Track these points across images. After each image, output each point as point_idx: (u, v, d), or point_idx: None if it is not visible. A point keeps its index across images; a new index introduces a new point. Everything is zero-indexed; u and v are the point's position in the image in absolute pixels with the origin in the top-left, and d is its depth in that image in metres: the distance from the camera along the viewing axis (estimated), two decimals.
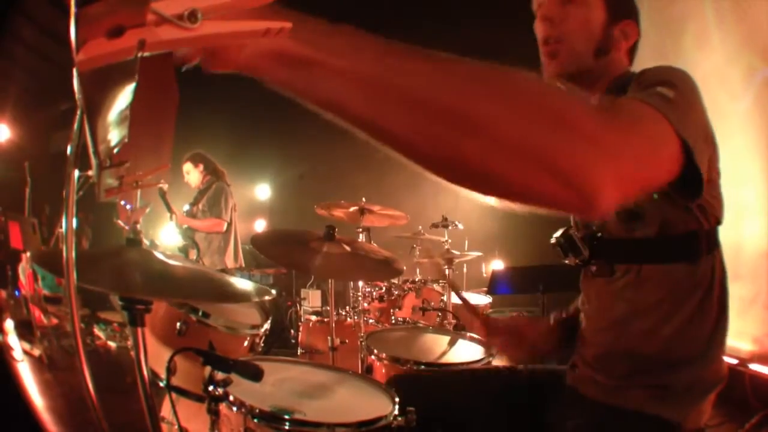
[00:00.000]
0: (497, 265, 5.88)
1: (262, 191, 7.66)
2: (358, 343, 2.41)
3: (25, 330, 4.21)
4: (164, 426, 1.74)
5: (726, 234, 1.26)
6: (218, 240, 4.67)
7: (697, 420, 1.26)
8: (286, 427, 1.33)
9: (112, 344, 4.53)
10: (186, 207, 4.73)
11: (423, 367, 2.08)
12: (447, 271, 3.81)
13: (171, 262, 1.35)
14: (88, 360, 0.99)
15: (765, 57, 3.40)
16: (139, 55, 0.50)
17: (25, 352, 3.87)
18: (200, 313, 1.86)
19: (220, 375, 1.37)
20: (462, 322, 3.29)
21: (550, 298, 3.40)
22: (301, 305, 4.65)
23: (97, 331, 4.73)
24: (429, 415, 1.43)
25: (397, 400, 1.49)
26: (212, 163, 4.84)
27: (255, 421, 1.34)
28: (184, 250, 3.86)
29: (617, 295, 1.32)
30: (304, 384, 1.61)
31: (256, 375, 1.31)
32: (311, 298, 4.89)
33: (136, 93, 0.62)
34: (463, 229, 4.39)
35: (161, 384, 1.53)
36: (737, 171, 3.42)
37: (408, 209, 3.93)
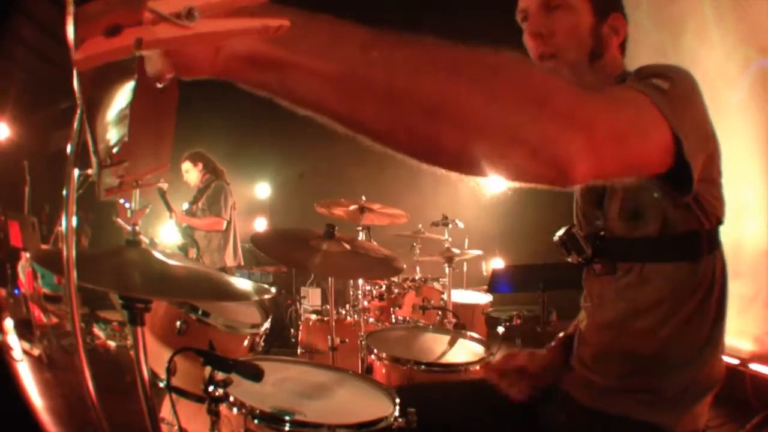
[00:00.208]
0: (497, 263, 5.88)
1: (262, 190, 7.65)
2: (358, 342, 2.41)
3: (25, 329, 4.21)
4: (164, 426, 1.74)
5: (726, 232, 1.26)
6: (218, 238, 4.67)
7: (693, 423, 1.25)
8: (287, 428, 1.33)
9: (111, 343, 4.53)
10: (185, 206, 4.73)
11: (423, 367, 2.07)
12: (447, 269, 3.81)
13: (171, 261, 1.34)
14: (88, 359, 0.99)
15: (765, 55, 3.40)
16: (137, 53, 0.50)
17: (25, 352, 3.87)
18: (200, 312, 1.86)
19: (220, 375, 1.37)
20: (462, 321, 3.29)
21: (550, 296, 3.40)
22: (301, 304, 4.65)
23: (97, 330, 4.73)
24: (425, 422, 1.43)
25: (397, 400, 1.49)
26: (211, 162, 4.84)
27: (255, 421, 1.34)
28: (183, 249, 3.86)
29: (619, 293, 1.32)
30: (305, 384, 1.61)
31: (256, 375, 1.31)
32: (311, 297, 4.89)
33: (136, 92, 0.62)
34: (463, 228, 4.39)
35: (161, 384, 1.52)
36: (737, 170, 3.42)
37: (408, 207, 3.93)
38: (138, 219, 4.05)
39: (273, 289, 1.54)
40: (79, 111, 0.73)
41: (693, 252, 1.23)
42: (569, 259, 1.41)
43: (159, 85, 0.62)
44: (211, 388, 1.36)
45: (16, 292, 4.63)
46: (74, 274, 0.89)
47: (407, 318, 3.66)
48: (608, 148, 0.74)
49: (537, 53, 1.28)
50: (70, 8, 0.50)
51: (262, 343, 2.09)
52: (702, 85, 1.05)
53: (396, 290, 3.83)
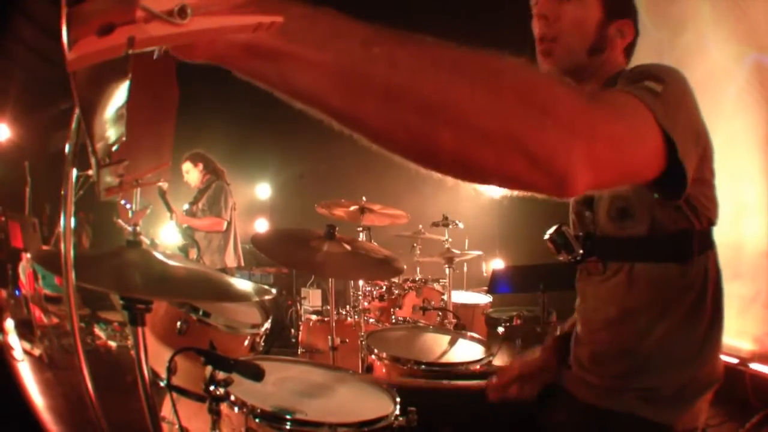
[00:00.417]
0: (497, 264, 5.89)
1: (263, 190, 7.65)
2: (359, 342, 2.41)
3: (26, 329, 4.21)
4: (165, 426, 1.74)
5: (726, 233, 1.26)
6: (218, 239, 4.67)
7: (692, 421, 1.25)
8: (288, 427, 1.33)
9: (112, 344, 4.53)
10: (186, 206, 4.73)
11: (423, 366, 2.07)
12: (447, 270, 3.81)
13: (171, 261, 1.34)
14: (88, 359, 0.99)
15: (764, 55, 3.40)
16: (130, 52, 0.50)
17: (26, 352, 3.87)
18: (200, 313, 1.86)
19: (221, 375, 1.37)
20: (462, 322, 3.29)
21: (550, 296, 3.40)
22: (301, 304, 4.65)
23: (98, 330, 4.74)
24: (426, 421, 1.43)
25: (398, 399, 1.49)
26: (212, 162, 4.84)
27: (256, 420, 1.34)
28: (184, 249, 3.86)
29: (610, 294, 1.32)
30: (305, 383, 1.61)
31: (257, 375, 1.31)
32: (311, 298, 4.88)
33: (137, 92, 0.62)
34: (463, 228, 4.39)
35: (162, 384, 1.52)
36: (737, 170, 3.42)
37: (408, 208, 3.93)
38: (139, 220, 4.05)
39: (273, 290, 1.54)
40: (76, 111, 0.74)
41: (682, 252, 1.23)
42: (560, 258, 1.42)
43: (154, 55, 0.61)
44: (212, 388, 1.36)
45: (17, 292, 4.63)
46: (72, 274, 0.89)
47: (407, 318, 3.66)
48: (607, 159, 0.73)
49: (539, 34, 1.30)
50: (64, 9, 0.50)
51: (263, 344, 2.09)
52: (701, 85, 1.06)
53: (396, 291, 3.83)
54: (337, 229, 2.25)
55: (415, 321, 3.54)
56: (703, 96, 1.07)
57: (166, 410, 1.76)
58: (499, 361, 2.17)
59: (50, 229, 5.74)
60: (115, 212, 4.10)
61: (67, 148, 0.83)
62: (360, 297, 3.77)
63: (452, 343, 2.44)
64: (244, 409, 1.36)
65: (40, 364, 3.83)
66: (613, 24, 1.30)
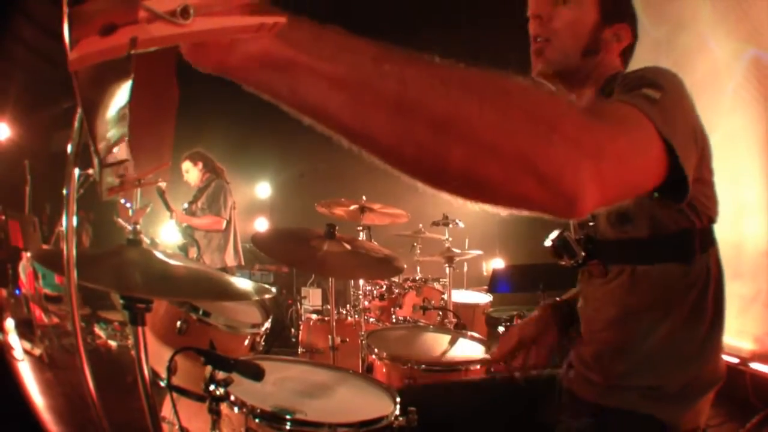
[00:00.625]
0: (498, 263, 5.88)
1: (263, 189, 7.65)
2: (359, 342, 2.41)
3: (26, 329, 4.21)
4: (165, 426, 1.74)
5: (726, 232, 1.26)
6: (218, 238, 4.66)
7: (694, 420, 1.26)
8: (288, 427, 1.33)
9: (112, 343, 4.54)
10: (185, 205, 4.73)
11: (423, 366, 2.07)
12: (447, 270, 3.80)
13: (171, 260, 1.34)
14: (89, 359, 0.99)
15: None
16: (132, 52, 0.50)
17: (26, 352, 3.87)
18: (201, 312, 1.85)
19: (221, 374, 1.37)
20: (463, 321, 3.29)
21: (550, 296, 3.38)
22: (301, 304, 4.66)
23: (98, 330, 4.74)
24: (428, 422, 1.43)
25: (398, 399, 1.49)
26: (211, 161, 4.84)
27: (256, 421, 1.34)
28: (183, 249, 3.86)
29: (612, 296, 1.32)
30: (305, 383, 1.61)
31: (257, 374, 1.31)
32: (312, 297, 4.89)
33: (137, 92, 0.62)
34: (463, 228, 4.38)
35: (162, 383, 1.52)
36: (737, 170, 3.42)
37: (408, 207, 3.92)
38: (139, 218, 4.04)
39: (273, 289, 1.54)
40: (78, 111, 0.73)
41: (684, 252, 1.23)
42: (562, 263, 1.42)
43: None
44: (212, 387, 1.36)
45: (17, 292, 4.63)
46: (74, 273, 0.89)
47: (408, 318, 3.65)
48: (614, 176, 0.73)
49: (533, 33, 1.31)
50: (65, 8, 0.49)
51: (263, 343, 2.09)
52: (701, 84, 1.06)
53: (396, 290, 3.83)
54: (337, 228, 2.25)
55: (416, 320, 3.54)
56: (702, 95, 1.07)
57: (167, 410, 1.76)
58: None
59: (50, 229, 5.75)
60: (115, 211, 4.11)
61: (69, 148, 0.83)
62: (360, 296, 3.77)
63: (452, 342, 2.44)
64: (244, 409, 1.35)
65: (40, 363, 3.83)
66: (610, 28, 1.30)
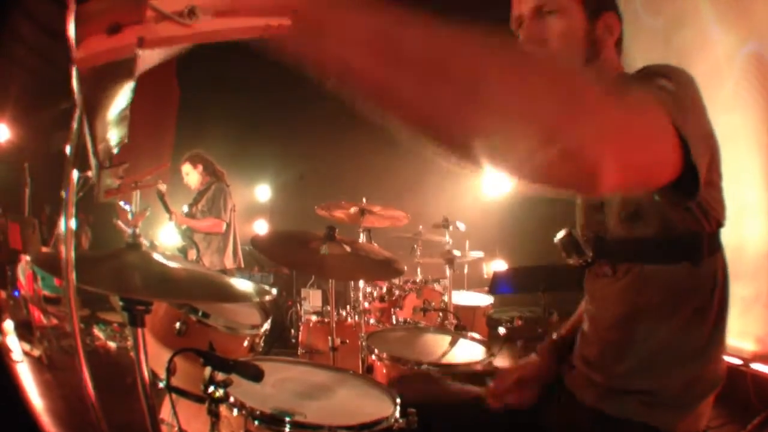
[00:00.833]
0: (498, 265, 5.87)
1: (263, 192, 7.64)
2: (359, 343, 2.41)
3: (25, 331, 4.21)
4: (164, 427, 1.73)
5: (727, 234, 1.26)
6: (217, 240, 4.67)
7: (694, 424, 1.25)
8: (287, 429, 1.32)
9: (112, 345, 4.53)
10: (185, 208, 4.73)
11: (423, 367, 2.07)
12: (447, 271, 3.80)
13: (170, 263, 1.34)
14: (88, 361, 0.99)
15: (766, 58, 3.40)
16: (138, 52, 0.50)
17: (25, 353, 3.87)
18: (200, 314, 1.85)
19: (220, 376, 1.37)
20: (463, 323, 3.28)
21: (551, 298, 3.40)
22: (301, 305, 4.65)
23: (97, 331, 4.74)
24: (426, 423, 1.43)
25: (398, 401, 1.49)
26: (211, 164, 4.84)
27: (256, 423, 1.34)
28: (183, 251, 3.86)
29: (619, 295, 1.32)
30: (305, 384, 1.60)
31: (256, 376, 1.31)
32: (312, 298, 4.88)
33: (137, 93, 0.62)
34: (464, 230, 4.39)
35: (161, 385, 1.52)
36: (738, 171, 3.41)
37: (409, 210, 3.92)
38: (138, 221, 4.05)
39: (273, 291, 1.54)
40: (77, 112, 0.73)
41: (693, 254, 1.22)
42: (570, 261, 1.41)
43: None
44: (211, 389, 1.35)
45: (16, 294, 4.63)
46: (73, 275, 0.89)
47: (408, 319, 3.65)
48: (633, 158, 0.73)
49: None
50: (72, 6, 0.49)
51: (262, 344, 2.09)
52: (700, 82, 1.05)
53: (397, 292, 3.83)
54: (337, 230, 2.24)
55: (416, 322, 3.53)
56: (702, 93, 1.06)
57: (166, 411, 1.76)
58: (499, 362, 2.17)
59: (50, 231, 5.74)
60: (115, 214, 4.11)
61: (68, 149, 0.83)
62: (360, 298, 3.76)
63: (453, 343, 2.43)
64: (244, 411, 1.35)
65: (39, 365, 3.82)
66: (599, 21, 1.26)
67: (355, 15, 0.59)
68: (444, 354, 2.30)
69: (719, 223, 1.22)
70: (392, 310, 3.78)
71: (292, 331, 4.78)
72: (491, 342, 2.55)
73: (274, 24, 0.54)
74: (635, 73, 1.12)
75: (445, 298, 3.83)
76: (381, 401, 1.53)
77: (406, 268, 2.33)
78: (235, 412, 1.36)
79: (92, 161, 0.72)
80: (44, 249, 5.09)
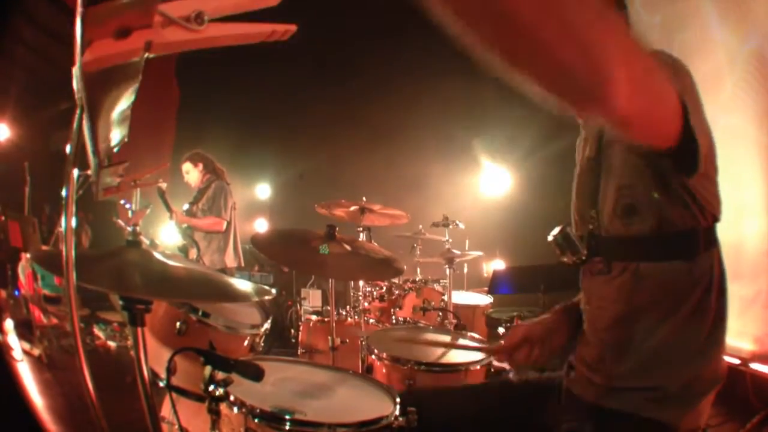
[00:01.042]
0: (498, 264, 5.87)
1: (263, 191, 7.65)
2: (359, 342, 2.41)
3: (25, 330, 4.21)
4: (164, 426, 1.73)
5: (726, 233, 1.26)
6: (218, 239, 4.66)
7: (695, 420, 1.25)
8: (287, 427, 1.33)
9: (112, 344, 4.53)
10: (186, 206, 4.73)
11: (423, 367, 2.07)
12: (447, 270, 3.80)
13: (171, 261, 1.34)
14: (88, 360, 0.99)
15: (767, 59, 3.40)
16: (146, 56, 0.50)
17: (25, 352, 3.87)
18: (200, 313, 1.85)
19: (220, 375, 1.37)
20: (463, 322, 3.29)
21: (551, 297, 3.39)
22: (301, 305, 4.65)
23: (97, 330, 4.74)
24: (428, 425, 1.43)
25: (398, 400, 1.49)
26: (211, 162, 4.84)
27: (256, 421, 1.34)
28: (183, 250, 3.85)
29: (616, 294, 1.31)
30: (305, 384, 1.61)
31: (256, 375, 1.31)
32: (312, 298, 4.89)
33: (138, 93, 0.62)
34: (463, 229, 4.39)
35: (161, 384, 1.52)
36: (737, 171, 3.41)
37: (408, 208, 3.92)
38: (138, 220, 4.05)
39: (273, 290, 1.54)
40: (78, 111, 0.73)
41: (689, 250, 1.23)
42: (564, 259, 1.41)
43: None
44: (211, 388, 1.35)
45: (17, 293, 4.64)
46: (73, 274, 0.89)
47: (408, 319, 3.65)
48: (644, 92, 0.75)
49: None
50: (79, 9, 0.49)
51: (262, 344, 2.09)
52: (699, 82, 1.06)
53: (396, 291, 3.83)
54: (337, 229, 2.25)
55: (416, 321, 3.53)
56: (701, 92, 1.07)
57: (166, 410, 1.76)
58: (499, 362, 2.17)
59: (50, 229, 5.75)
60: (115, 212, 4.11)
61: (68, 148, 0.83)
62: (360, 297, 3.76)
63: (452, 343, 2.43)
64: (244, 410, 1.35)
65: (39, 364, 3.83)
66: None
67: None
68: (443, 354, 2.30)
69: (715, 218, 1.22)
70: (392, 309, 3.78)
71: (292, 330, 4.78)
72: (491, 341, 2.55)
73: (280, 29, 0.54)
74: None
75: (445, 298, 3.83)
76: (381, 400, 1.53)
77: (405, 267, 2.33)
78: (236, 410, 1.36)
79: (91, 160, 0.72)
80: (44, 247, 5.10)
